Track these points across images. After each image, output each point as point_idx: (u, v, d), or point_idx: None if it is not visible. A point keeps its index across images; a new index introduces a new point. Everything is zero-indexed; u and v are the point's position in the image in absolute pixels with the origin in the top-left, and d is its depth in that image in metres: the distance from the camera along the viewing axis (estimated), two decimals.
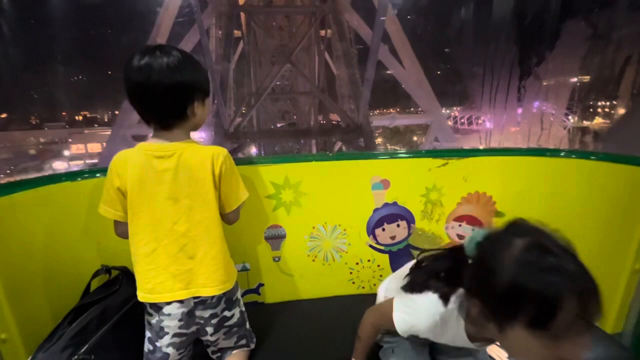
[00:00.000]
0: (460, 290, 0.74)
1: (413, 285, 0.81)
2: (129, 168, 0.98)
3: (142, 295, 1.01)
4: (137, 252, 1.01)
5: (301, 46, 13.80)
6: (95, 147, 25.96)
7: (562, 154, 1.38)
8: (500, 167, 1.43)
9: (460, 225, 1.50)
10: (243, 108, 14.58)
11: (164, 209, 1.00)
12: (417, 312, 0.80)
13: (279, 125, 16.41)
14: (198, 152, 1.02)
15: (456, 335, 0.76)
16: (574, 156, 1.35)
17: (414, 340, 0.99)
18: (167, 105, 0.98)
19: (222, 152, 1.04)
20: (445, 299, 0.75)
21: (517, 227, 0.66)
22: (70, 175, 1.21)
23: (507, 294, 0.59)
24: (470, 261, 0.71)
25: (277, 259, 1.47)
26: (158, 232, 1.00)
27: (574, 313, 0.55)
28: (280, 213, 1.41)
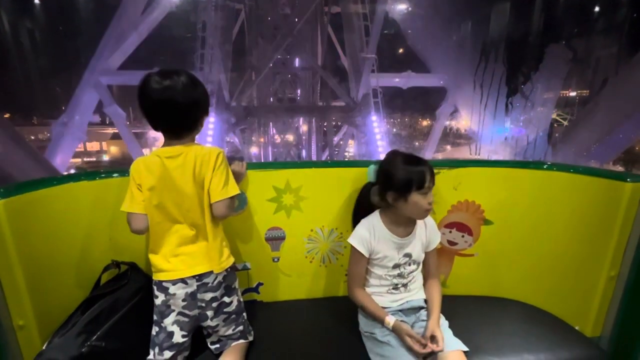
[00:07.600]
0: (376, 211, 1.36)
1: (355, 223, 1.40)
2: (148, 170, 1.14)
3: (164, 274, 1.15)
4: (158, 238, 1.17)
5: (304, 20, 13.48)
6: (94, 146, 26.26)
7: (544, 167, 1.47)
8: (489, 177, 1.52)
9: (450, 232, 1.58)
10: (243, 82, 14.26)
11: (177, 200, 1.15)
12: (358, 226, 1.34)
13: (278, 100, 16.00)
14: (199, 151, 1.17)
15: (381, 233, 1.29)
16: (554, 169, 1.44)
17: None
18: (183, 121, 1.15)
19: (217, 150, 1.18)
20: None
21: (393, 152, 1.30)
22: (89, 175, 1.30)
23: (403, 180, 1.21)
24: (373, 184, 1.38)
25: (276, 260, 1.55)
26: (175, 220, 1.17)
27: (429, 181, 1.21)
28: (281, 216, 1.49)
